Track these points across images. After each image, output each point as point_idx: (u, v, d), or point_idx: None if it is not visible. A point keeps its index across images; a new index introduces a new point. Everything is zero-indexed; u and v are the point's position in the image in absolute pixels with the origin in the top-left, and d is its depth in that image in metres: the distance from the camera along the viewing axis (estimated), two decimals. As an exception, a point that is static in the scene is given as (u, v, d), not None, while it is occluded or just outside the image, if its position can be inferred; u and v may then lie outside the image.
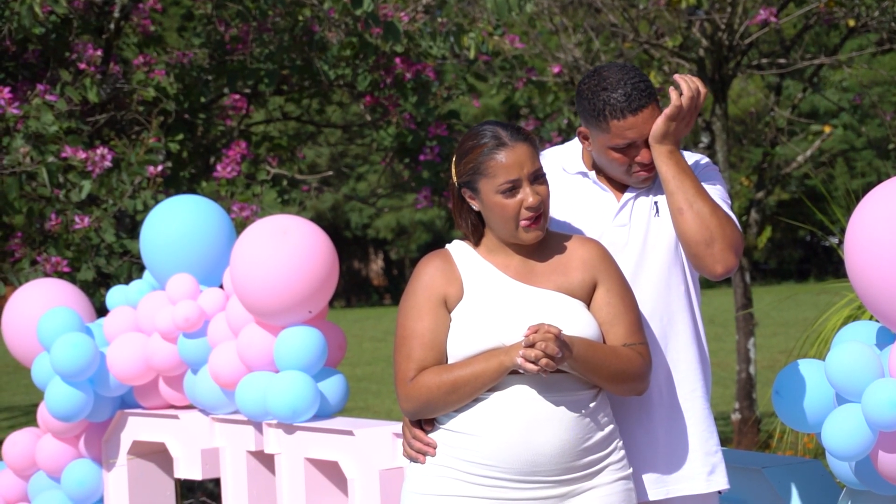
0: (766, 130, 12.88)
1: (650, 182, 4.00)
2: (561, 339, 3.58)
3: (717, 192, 4.05)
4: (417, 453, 3.81)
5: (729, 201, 4.09)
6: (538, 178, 3.76)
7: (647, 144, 3.91)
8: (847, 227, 3.80)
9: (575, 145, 4.13)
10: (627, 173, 3.96)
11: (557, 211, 4.04)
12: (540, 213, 3.76)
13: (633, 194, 4.03)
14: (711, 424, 4.10)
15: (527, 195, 3.73)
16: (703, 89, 3.93)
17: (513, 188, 3.73)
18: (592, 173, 4.05)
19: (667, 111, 3.89)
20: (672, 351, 4.04)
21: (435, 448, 3.77)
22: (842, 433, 3.66)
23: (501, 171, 3.73)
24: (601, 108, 3.87)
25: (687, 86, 3.92)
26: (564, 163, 4.09)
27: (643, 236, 4.02)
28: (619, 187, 4.06)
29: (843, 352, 3.66)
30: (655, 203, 4.03)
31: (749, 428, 11.95)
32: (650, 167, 3.94)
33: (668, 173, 3.90)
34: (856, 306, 7.46)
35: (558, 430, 3.67)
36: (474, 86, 10.36)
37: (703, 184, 3.99)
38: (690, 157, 4.09)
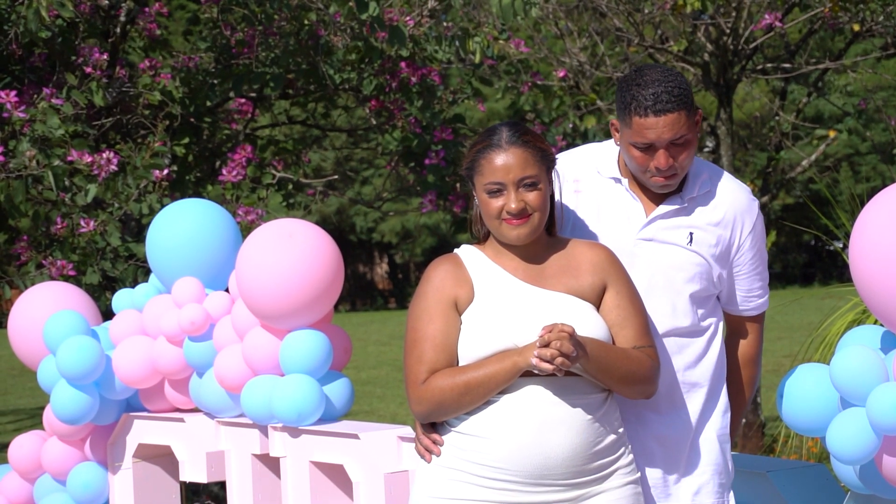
0: (771, 135, 12.88)
1: (670, 188, 3.96)
2: (575, 339, 3.59)
3: (760, 272, 4.10)
4: (425, 451, 3.82)
5: (765, 262, 4.12)
6: (528, 185, 3.77)
7: (666, 149, 3.88)
8: (852, 232, 3.80)
9: (612, 147, 4.10)
10: (645, 175, 3.95)
11: (585, 212, 4.04)
12: (524, 217, 3.77)
13: (665, 212, 4.00)
14: (726, 451, 4.12)
15: (510, 200, 3.76)
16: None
17: (497, 190, 3.77)
18: (626, 181, 4.02)
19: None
20: (671, 374, 4.05)
21: (441, 446, 3.78)
22: (846, 437, 3.66)
23: (489, 171, 3.78)
24: (628, 102, 3.87)
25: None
26: (600, 164, 4.07)
27: (667, 257, 4.00)
28: (653, 199, 4.03)
29: (847, 356, 3.67)
30: (691, 233, 4.02)
31: (754, 432, 11.94)
32: (667, 174, 3.90)
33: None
34: (860, 310, 7.46)
35: (570, 433, 3.68)
36: (479, 90, 10.36)
37: (751, 263, 4.06)
38: (746, 209, 4.05)
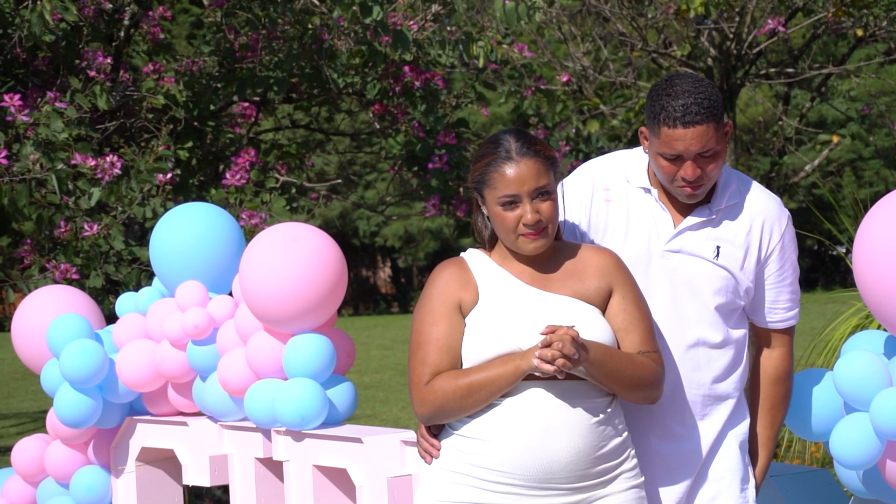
0: (775, 140, 12.88)
1: (697, 199, 3.93)
2: (578, 341, 3.59)
3: (790, 283, 4.08)
4: (425, 453, 3.83)
5: (796, 274, 4.09)
6: (542, 194, 3.76)
7: (694, 160, 3.85)
8: (855, 237, 3.80)
9: (641, 155, 4.07)
10: (673, 185, 3.92)
11: (615, 220, 4.03)
12: (540, 229, 3.77)
13: (693, 223, 3.98)
14: (745, 457, 4.12)
15: (525, 212, 3.74)
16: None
17: (512, 202, 3.75)
18: (656, 191, 4.00)
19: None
20: (698, 386, 4.04)
21: (439, 450, 3.78)
22: (850, 442, 3.66)
23: (502, 184, 3.75)
24: (658, 112, 3.85)
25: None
26: (629, 172, 4.05)
27: (693, 269, 3.98)
28: (681, 210, 4.01)
29: (851, 361, 3.67)
30: (718, 247, 4.00)
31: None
32: (695, 185, 3.88)
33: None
34: (864, 315, 7.46)
35: (573, 437, 3.68)
36: (483, 94, 10.36)
37: (783, 273, 4.04)
38: (776, 219, 4.04)
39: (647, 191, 4.01)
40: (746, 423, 4.11)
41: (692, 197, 3.93)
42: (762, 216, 4.03)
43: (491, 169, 3.76)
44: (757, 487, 4.11)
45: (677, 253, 3.98)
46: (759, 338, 4.16)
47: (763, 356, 4.16)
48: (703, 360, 4.01)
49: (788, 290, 4.09)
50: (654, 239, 3.99)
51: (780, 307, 4.09)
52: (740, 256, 3.99)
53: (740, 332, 4.07)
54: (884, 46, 12.77)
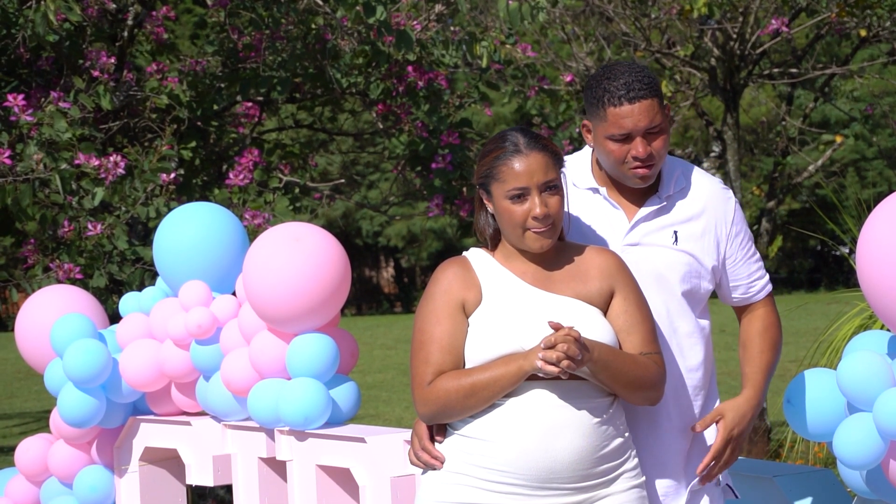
0: (778, 140, 12.88)
1: (649, 180, 3.98)
2: (580, 342, 3.59)
3: (753, 253, 4.10)
4: (424, 465, 3.81)
5: (753, 245, 4.13)
6: (550, 188, 3.76)
7: (643, 137, 3.91)
8: (859, 237, 3.81)
9: (584, 158, 4.12)
10: (624, 169, 3.96)
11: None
12: (548, 224, 3.77)
13: (646, 213, 4.02)
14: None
15: (534, 205, 3.74)
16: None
17: (521, 196, 3.74)
18: (604, 189, 4.04)
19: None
20: (676, 377, 4.05)
21: (443, 462, 3.77)
22: (853, 442, 3.66)
23: (511, 177, 3.75)
24: (601, 95, 3.90)
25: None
26: (574, 177, 4.08)
27: (655, 259, 4.01)
28: (633, 203, 4.05)
29: (854, 361, 3.67)
30: (675, 232, 4.03)
31: (760, 437, 11.93)
32: (647, 163, 3.93)
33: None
34: (867, 316, 7.46)
35: (576, 437, 3.67)
36: (486, 94, 10.36)
37: (744, 247, 4.07)
38: (722, 198, 4.09)
39: (596, 191, 4.05)
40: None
41: (645, 179, 3.97)
42: (710, 194, 4.09)
43: (499, 163, 3.76)
44: (738, 435, 4.04)
45: (636, 246, 4.01)
46: (746, 313, 4.19)
47: (748, 321, 4.18)
48: (676, 351, 4.03)
49: (756, 260, 4.15)
50: (612, 236, 4.02)
51: (756, 278, 4.14)
52: (698, 236, 4.04)
53: (706, 323, 4.12)
54: (887, 47, 12.76)
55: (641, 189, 4.03)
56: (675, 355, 4.04)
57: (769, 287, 4.19)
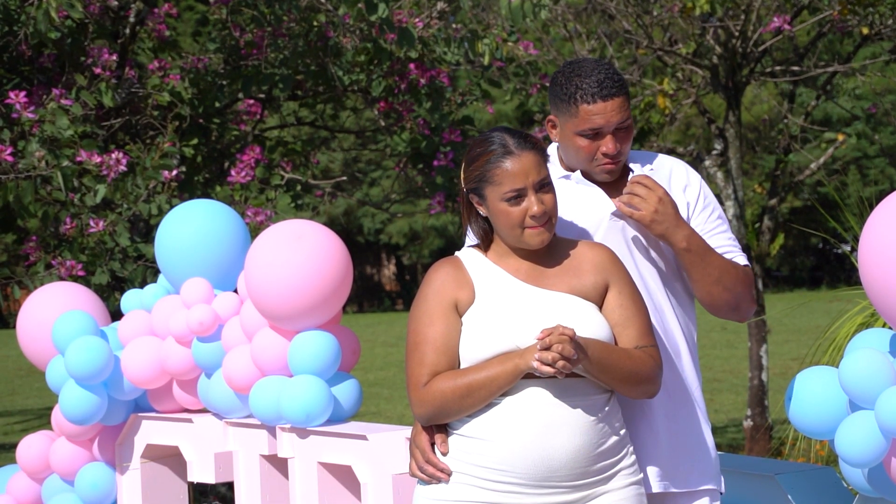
0: (780, 138, 12.88)
1: (615, 175, 4.02)
2: (576, 341, 3.58)
3: (725, 229, 4.10)
4: (430, 478, 3.78)
5: (727, 223, 4.14)
6: (544, 186, 3.76)
7: (613, 134, 3.94)
8: (861, 235, 3.80)
9: (549, 151, 4.14)
10: (592, 164, 3.99)
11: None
12: (545, 220, 3.77)
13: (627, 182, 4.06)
14: (707, 426, 4.14)
15: (531, 204, 3.74)
16: (657, 194, 3.93)
17: (517, 196, 3.74)
18: (576, 173, 4.06)
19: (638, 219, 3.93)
20: (670, 348, 4.06)
21: (449, 476, 3.75)
22: (855, 440, 3.66)
23: (507, 179, 3.74)
24: (573, 92, 3.93)
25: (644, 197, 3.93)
26: None
27: (639, 227, 4.04)
28: (605, 188, 4.07)
29: (856, 359, 3.67)
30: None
31: (761, 435, 11.94)
32: (615, 159, 3.97)
33: (688, 265, 3.95)
34: (869, 314, 7.46)
35: (573, 435, 3.67)
36: (488, 92, 10.37)
37: (713, 221, 4.06)
38: (681, 177, 4.12)
39: (567, 177, 4.06)
40: (700, 398, 4.15)
41: (612, 174, 4.00)
42: (674, 170, 4.12)
43: (492, 166, 3.75)
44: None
45: (621, 219, 4.03)
46: None
47: None
48: (676, 307, 4.06)
49: (728, 238, 4.10)
50: (596, 210, 4.03)
51: (725, 251, 4.06)
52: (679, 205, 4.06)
53: (687, 297, 4.13)
54: (889, 44, 12.76)
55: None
56: (675, 313, 4.06)
57: (745, 264, 4.12)
